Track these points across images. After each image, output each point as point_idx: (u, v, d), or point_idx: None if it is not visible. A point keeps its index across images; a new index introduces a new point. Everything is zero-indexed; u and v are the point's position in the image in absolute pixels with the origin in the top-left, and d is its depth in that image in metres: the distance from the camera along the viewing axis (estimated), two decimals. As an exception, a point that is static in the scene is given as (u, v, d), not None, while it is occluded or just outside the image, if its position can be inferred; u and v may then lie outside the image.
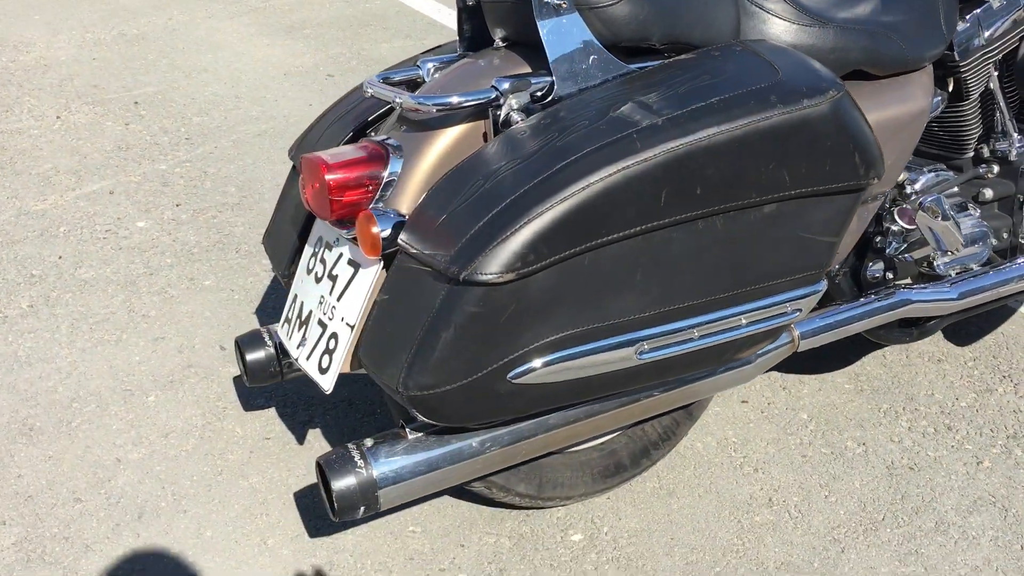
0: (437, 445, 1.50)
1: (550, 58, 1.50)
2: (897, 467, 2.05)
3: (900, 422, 2.16)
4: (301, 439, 2.06)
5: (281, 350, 1.83)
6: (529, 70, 1.57)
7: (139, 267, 2.62)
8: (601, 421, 1.60)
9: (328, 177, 1.49)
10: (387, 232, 1.45)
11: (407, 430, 1.51)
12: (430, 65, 1.71)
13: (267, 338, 1.84)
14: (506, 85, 1.50)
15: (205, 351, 2.31)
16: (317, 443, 2.06)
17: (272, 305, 2.47)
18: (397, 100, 1.51)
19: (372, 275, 1.50)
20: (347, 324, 1.52)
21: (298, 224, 1.78)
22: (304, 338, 1.63)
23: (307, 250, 1.70)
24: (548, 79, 1.51)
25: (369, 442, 1.49)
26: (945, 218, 1.88)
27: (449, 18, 4.46)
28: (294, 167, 1.84)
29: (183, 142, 3.32)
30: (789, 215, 1.47)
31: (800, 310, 1.55)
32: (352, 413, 2.14)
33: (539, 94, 1.51)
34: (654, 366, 1.47)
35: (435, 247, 1.36)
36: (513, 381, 1.37)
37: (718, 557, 1.82)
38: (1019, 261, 2.07)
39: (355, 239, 1.52)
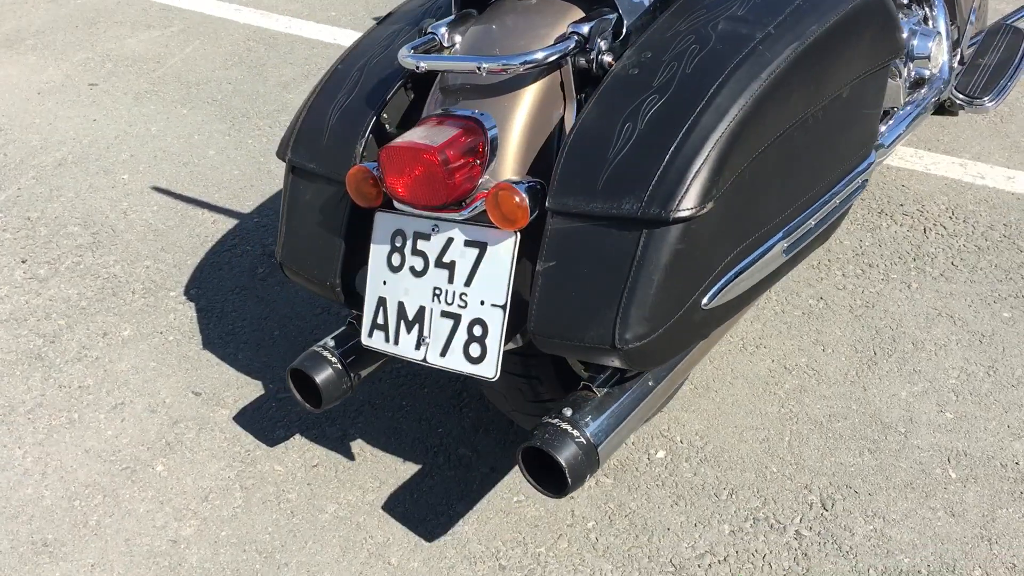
0: (621, 393, 1.51)
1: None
2: (856, 308, 2.33)
3: (834, 272, 2.44)
4: (349, 455, 1.95)
5: (349, 362, 1.72)
6: (579, 13, 1.57)
7: (33, 339, 2.27)
8: (726, 328, 1.68)
9: (440, 159, 1.42)
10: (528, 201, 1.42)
11: (595, 388, 1.51)
12: (443, 30, 1.64)
13: (327, 354, 1.71)
14: (585, 29, 1.50)
15: (181, 401, 2.08)
16: (368, 452, 1.96)
17: (223, 330, 2.26)
18: (483, 66, 1.46)
19: (510, 249, 1.46)
20: (494, 305, 1.47)
21: (334, 227, 1.66)
22: (424, 337, 1.55)
23: (378, 249, 1.60)
24: (613, 16, 1.53)
25: (568, 411, 1.47)
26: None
27: (182, 0, 4.13)
28: (295, 168, 1.70)
29: (-34, 193, 2.86)
30: (856, 96, 1.62)
31: (867, 180, 1.73)
32: (380, 414, 2.05)
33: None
34: (791, 259, 1.58)
35: (615, 198, 1.35)
36: (705, 307, 1.42)
37: (780, 428, 1.99)
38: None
39: (468, 219, 1.47)
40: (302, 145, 1.72)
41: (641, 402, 1.54)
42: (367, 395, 2.09)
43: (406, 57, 1.57)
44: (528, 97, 1.52)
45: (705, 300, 1.42)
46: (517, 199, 1.42)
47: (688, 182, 1.33)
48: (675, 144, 1.36)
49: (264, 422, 2.03)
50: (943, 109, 2.84)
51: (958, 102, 2.53)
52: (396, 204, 1.56)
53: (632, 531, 1.79)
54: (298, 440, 1.99)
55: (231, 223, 2.67)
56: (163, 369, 2.18)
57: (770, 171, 1.47)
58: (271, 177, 2.88)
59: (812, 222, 1.60)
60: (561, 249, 1.41)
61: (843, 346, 2.22)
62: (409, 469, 1.92)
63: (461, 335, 1.52)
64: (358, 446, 1.98)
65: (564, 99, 1.55)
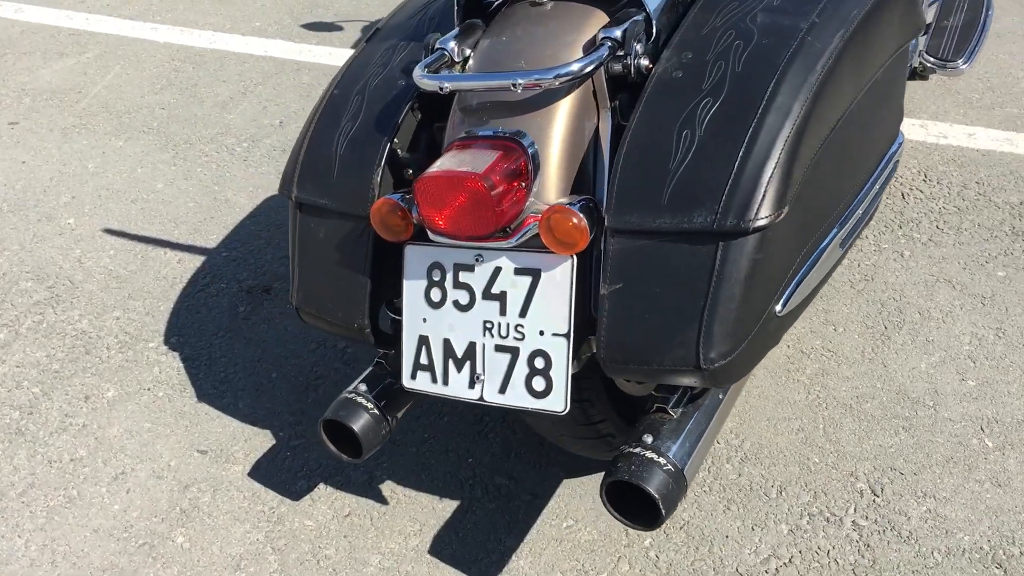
0: (695, 411, 1.45)
1: None
2: (857, 283, 2.32)
3: (826, 247, 2.43)
4: (381, 499, 1.85)
5: (384, 405, 1.61)
6: (600, 14, 1.49)
7: (8, 412, 2.09)
8: None
9: (486, 185, 1.33)
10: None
11: (670, 410, 1.44)
12: (452, 44, 1.55)
13: (361, 400, 1.61)
14: (618, 33, 1.42)
15: (187, 463, 1.94)
16: (401, 494, 1.86)
17: (216, 379, 2.12)
18: (519, 81, 1.37)
19: (568, 274, 1.38)
20: (555, 335, 1.39)
21: (358, 265, 1.55)
22: (478, 375, 1.46)
23: (413, 284, 1.50)
24: (641, 16, 1.46)
25: (649, 438, 1.40)
26: None
27: (92, 23, 3.88)
28: (303, 205, 1.59)
29: None
30: (888, 77, 1.58)
31: (899, 161, 1.70)
32: (403, 450, 1.95)
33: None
34: (846, 251, 1.54)
35: (685, 212, 1.28)
36: (779, 314, 1.37)
37: (812, 416, 1.97)
38: None
39: (515, 246, 1.39)
40: (309, 180, 1.61)
41: (714, 417, 1.48)
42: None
43: (423, 78, 1.47)
44: (563, 110, 1.44)
45: (779, 307, 1.37)
46: (575, 221, 1.34)
47: (763, 189, 1.27)
48: (742, 150, 1.29)
49: (283, 474, 1.91)
50: (915, 75, 2.85)
51: (929, 66, 2.53)
52: (432, 236, 1.46)
53: (691, 543, 1.74)
54: (324, 490, 1.87)
55: (198, 260, 2.52)
56: (160, 429, 2.03)
57: (827, 166, 1.42)
58: (230, 207, 2.73)
59: (860, 210, 1.56)
60: (627, 270, 1.34)
61: (853, 323, 2.20)
62: (447, 507, 1.83)
63: (521, 369, 1.43)
64: (388, 488, 1.87)
65: (597, 108, 1.47)
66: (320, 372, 2.15)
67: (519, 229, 1.40)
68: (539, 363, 1.42)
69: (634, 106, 1.46)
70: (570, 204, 1.35)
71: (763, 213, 1.26)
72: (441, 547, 1.76)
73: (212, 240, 2.60)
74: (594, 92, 1.47)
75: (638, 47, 1.43)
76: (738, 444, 1.92)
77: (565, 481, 1.87)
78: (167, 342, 2.26)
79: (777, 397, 2.03)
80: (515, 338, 1.43)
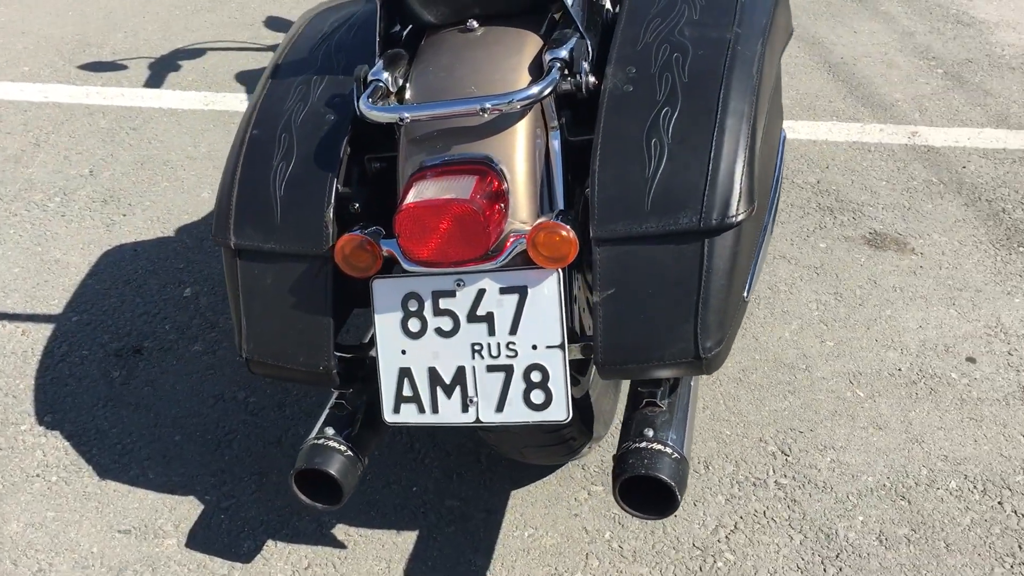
0: (677, 399, 1.55)
1: (575, 15, 1.54)
2: (819, 268, 2.53)
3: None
4: (337, 544, 1.82)
5: (355, 444, 1.59)
6: (533, 36, 1.56)
7: None
8: None
9: (476, 208, 1.36)
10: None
11: (659, 402, 1.52)
12: (385, 75, 1.55)
13: (333, 444, 1.57)
14: (564, 54, 1.49)
15: (112, 547, 1.81)
16: (356, 536, 1.84)
17: (113, 452, 1.97)
18: (487, 106, 1.40)
19: (555, 287, 1.44)
20: (549, 347, 1.45)
21: (316, 306, 1.53)
22: (471, 398, 1.48)
23: (387, 318, 1.49)
24: (575, 36, 1.54)
25: (650, 432, 1.48)
26: None
27: None
28: (243, 252, 1.55)
29: None
30: (778, 76, 1.77)
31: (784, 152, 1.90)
32: (382, 486, 1.90)
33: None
34: (772, 232, 1.71)
35: (670, 214, 1.38)
36: (746, 300, 1.49)
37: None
38: None
39: (498, 265, 1.43)
40: (248, 225, 1.55)
41: (690, 401, 1.59)
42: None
43: (373, 110, 1.47)
44: (522, 131, 1.50)
45: (745, 293, 1.50)
46: (564, 233, 1.40)
47: (739, 186, 1.39)
48: (712, 152, 1.41)
49: (224, 538, 1.82)
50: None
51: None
52: (406, 266, 1.47)
53: (646, 528, 1.84)
54: (275, 546, 1.81)
55: (46, 329, 2.31)
56: (67, 516, 1.86)
57: (765, 159, 1.57)
58: (63, 267, 2.52)
59: (775, 195, 1.74)
60: (617, 275, 1.42)
61: (826, 296, 2.41)
62: (407, 539, 1.83)
63: (517, 385, 1.47)
64: (341, 532, 1.84)
65: (545, 126, 1.54)
66: (228, 427, 2.06)
67: (503, 250, 1.44)
68: (536, 377, 1.47)
69: (580, 122, 1.55)
70: (554, 219, 1.42)
71: (742, 209, 1.39)
72: (418, 579, 1.76)
73: (54, 306, 2.39)
74: (542, 111, 1.54)
75: (585, 65, 1.52)
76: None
77: (513, 492, 1.92)
78: (41, 422, 2.06)
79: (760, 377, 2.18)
80: (507, 356, 1.47)
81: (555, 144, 1.55)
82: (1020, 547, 1.80)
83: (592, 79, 1.53)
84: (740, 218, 1.39)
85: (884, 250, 2.64)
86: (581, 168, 1.57)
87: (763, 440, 2.04)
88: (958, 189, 2.90)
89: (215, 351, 2.25)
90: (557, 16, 1.69)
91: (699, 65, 1.50)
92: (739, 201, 1.39)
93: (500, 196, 1.44)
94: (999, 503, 1.89)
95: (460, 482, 1.94)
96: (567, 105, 1.57)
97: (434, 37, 1.66)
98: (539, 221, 1.43)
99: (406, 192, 1.47)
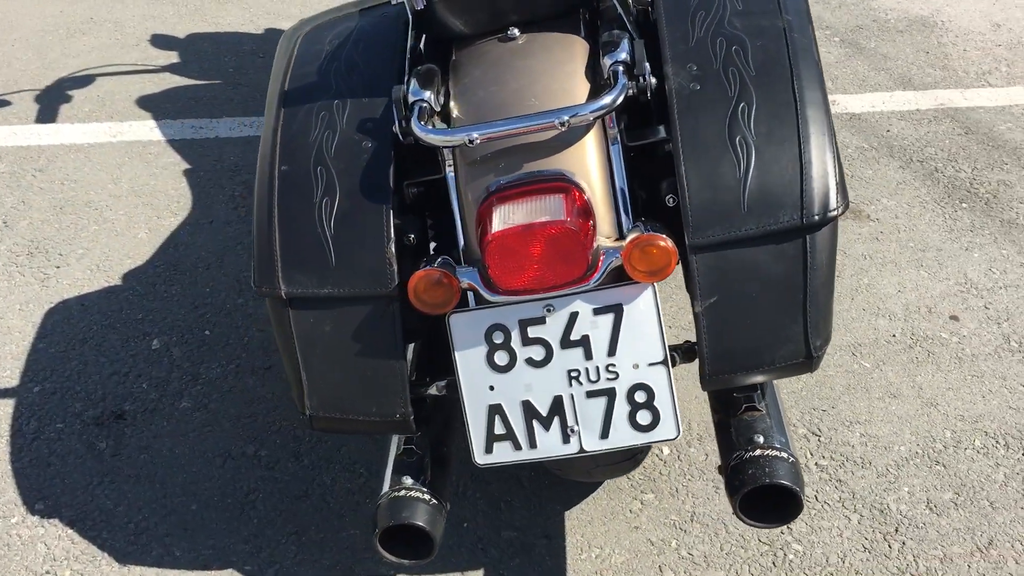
0: (770, 399, 1.52)
1: (625, 16, 1.48)
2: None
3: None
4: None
5: (434, 490, 1.48)
6: (578, 40, 1.49)
7: None
8: None
9: (574, 228, 1.30)
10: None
11: (759, 406, 1.48)
12: (428, 94, 1.45)
13: (415, 493, 1.47)
14: (624, 56, 1.43)
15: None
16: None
17: (125, 531, 1.78)
18: (563, 118, 1.33)
19: (651, 301, 1.38)
20: (652, 364, 1.39)
21: (386, 350, 1.43)
22: (572, 428, 1.42)
23: (469, 354, 1.41)
24: (626, 36, 1.48)
25: (760, 438, 1.44)
26: None
27: None
28: (295, 300, 1.43)
29: None
30: None
31: None
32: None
33: None
34: None
35: (769, 214, 1.35)
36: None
37: (836, 368, 2.13)
38: None
39: (595, 285, 1.37)
40: (298, 271, 1.43)
41: (778, 398, 1.56)
42: (355, 523, 1.81)
43: (433, 134, 1.38)
44: (590, 142, 1.43)
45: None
46: (662, 244, 1.34)
47: (834, 179, 1.37)
48: (800, 146, 1.38)
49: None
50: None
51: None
52: (489, 297, 1.38)
53: (708, 531, 1.82)
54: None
55: (6, 406, 2.09)
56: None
57: None
58: (2, 332, 2.25)
59: None
60: (719, 282, 1.37)
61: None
62: (474, 578, 1.74)
63: (621, 408, 1.41)
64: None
65: (605, 134, 1.47)
66: (246, 486, 1.90)
67: (596, 268, 1.37)
68: (640, 397, 1.41)
69: (633, 127, 1.49)
70: (645, 231, 1.36)
71: (840, 201, 1.37)
72: (495, 621, 1.68)
73: (7, 378, 2.15)
74: (602, 119, 1.47)
75: (647, 67, 1.45)
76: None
77: (566, 514, 1.86)
78: (33, 511, 1.85)
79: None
80: (608, 379, 1.41)
81: (616, 152, 1.49)
82: (1056, 495, 1.88)
83: (654, 80, 1.47)
84: (839, 211, 1.37)
85: (842, 219, 2.70)
86: (639, 174, 1.52)
87: (792, 425, 2.05)
88: (890, 153, 3.00)
89: (207, 405, 2.08)
90: (588, 16, 1.63)
91: (763, 56, 1.47)
92: (837, 194, 1.37)
93: (588, 212, 1.37)
94: (1023, 455, 1.97)
95: (510, 510, 1.86)
96: (623, 110, 1.51)
97: (470, 49, 1.56)
98: (633, 235, 1.37)
99: (484, 219, 1.38)
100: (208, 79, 3.34)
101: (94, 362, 2.20)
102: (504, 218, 1.35)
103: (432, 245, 1.54)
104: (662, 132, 1.47)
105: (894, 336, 2.27)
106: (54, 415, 2.07)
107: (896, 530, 1.82)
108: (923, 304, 2.36)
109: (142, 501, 1.88)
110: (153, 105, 3.16)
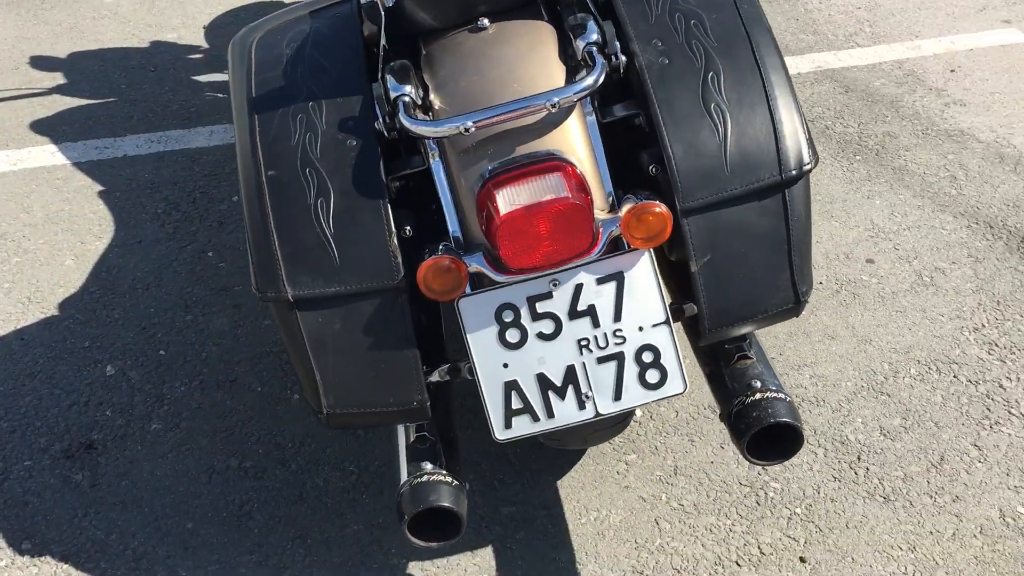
0: (755, 344, 1.62)
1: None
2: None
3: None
4: (417, 582, 1.73)
5: (453, 470, 1.54)
6: (545, 26, 1.56)
7: None
8: None
9: (579, 203, 1.39)
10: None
11: (750, 354, 1.59)
12: (409, 88, 1.50)
13: (437, 477, 1.51)
14: (595, 38, 1.51)
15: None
16: (434, 570, 1.76)
17: (122, 560, 1.74)
18: (554, 100, 1.40)
19: (648, 265, 1.48)
20: (655, 324, 1.48)
21: (399, 340, 1.48)
22: (586, 394, 1.49)
23: (481, 335, 1.46)
24: (590, 19, 1.56)
25: (757, 383, 1.55)
26: None
27: None
28: (302, 301, 1.46)
29: None
30: None
31: None
32: (394, 531, 1.81)
33: None
34: None
35: (751, 173, 1.46)
36: None
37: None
38: None
39: (597, 256, 1.45)
40: (302, 273, 1.45)
41: (759, 345, 1.67)
42: (356, 520, 1.83)
43: (425, 126, 1.43)
44: (573, 121, 1.51)
45: None
46: (657, 210, 1.42)
47: (804, 135, 1.49)
48: (769, 107, 1.48)
49: None
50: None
51: None
52: (495, 277, 1.44)
53: (692, 481, 1.94)
54: (357, 603, 1.70)
55: (-38, 451, 1.97)
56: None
57: None
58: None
59: None
60: (710, 241, 1.48)
61: None
62: (485, 557, 1.81)
63: (631, 370, 1.49)
64: (419, 570, 1.78)
65: (583, 113, 1.54)
66: (237, 498, 1.90)
67: (598, 240, 1.44)
68: (647, 357, 1.49)
69: (604, 104, 1.57)
70: (637, 201, 1.44)
71: (811, 156, 1.48)
72: (512, 592, 1.73)
73: (-42, 422, 2.05)
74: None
75: (618, 46, 1.53)
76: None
77: (558, 483, 1.94)
78: (21, 552, 1.79)
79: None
80: (616, 344, 1.49)
81: (593, 129, 1.56)
82: (989, 409, 2.07)
83: (624, 59, 1.55)
84: (812, 165, 1.48)
85: (752, 181, 2.86)
86: (612, 149, 1.60)
87: (748, 373, 2.17)
88: (782, 115, 3.18)
89: (178, 424, 2.05)
90: (545, 2, 1.69)
91: (720, 28, 1.57)
92: (808, 149, 1.49)
93: (585, 187, 1.44)
94: (955, 377, 2.15)
95: (504, 487, 1.93)
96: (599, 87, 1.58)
97: (442, 42, 1.61)
98: (628, 205, 1.45)
99: (487, 204, 1.43)
100: (101, 98, 3.23)
101: (48, 395, 2.13)
102: (510, 200, 1.41)
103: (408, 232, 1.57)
104: (625, 110, 1.57)
105: (820, 283, 2.44)
106: (19, 453, 2.00)
107: (858, 458, 1.97)
108: (840, 251, 2.53)
109: (134, 527, 1.85)
110: (49, 129, 3.05)
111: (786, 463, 1.95)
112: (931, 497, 1.89)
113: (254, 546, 1.82)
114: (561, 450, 1.97)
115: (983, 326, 2.27)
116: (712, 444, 2.01)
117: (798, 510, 1.87)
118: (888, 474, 1.94)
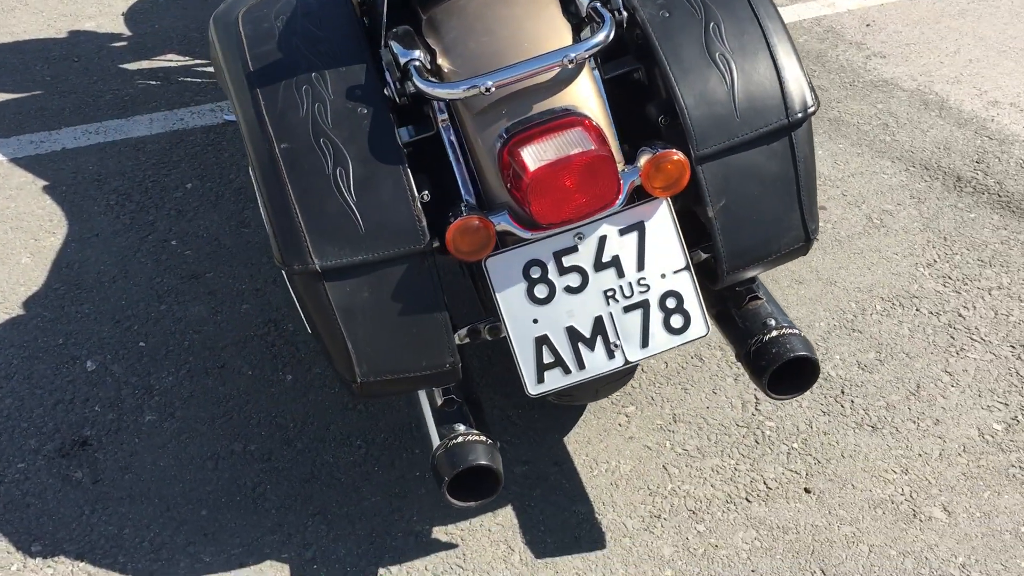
0: (762, 286, 1.69)
1: None
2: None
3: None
4: (450, 549, 1.74)
5: (484, 429, 1.56)
6: None
7: None
8: None
9: (605, 155, 1.44)
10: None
11: (760, 294, 1.65)
12: (418, 53, 1.50)
13: (470, 437, 1.53)
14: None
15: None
16: (461, 534, 1.80)
17: (140, 552, 1.72)
18: (570, 55, 1.43)
19: (667, 213, 1.53)
20: (676, 271, 1.53)
21: (428, 303, 1.50)
22: (615, 343, 1.54)
23: (510, 293, 1.50)
24: None
25: (772, 321, 1.62)
26: None
27: None
28: (329, 272, 1.46)
29: None
30: None
31: None
32: (411, 498, 1.84)
33: None
34: None
35: (760, 118, 1.53)
36: None
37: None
38: None
39: (620, 206, 1.50)
40: (327, 243, 1.46)
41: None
42: (373, 492, 1.83)
43: (442, 88, 1.44)
44: (586, 77, 1.54)
45: None
46: (675, 158, 1.48)
47: (805, 79, 1.55)
48: (771, 54, 1.54)
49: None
50: None
51: None
52: (522, 235, 1.47)
53: (692, 428, 2.01)
54: (388, 571, 1.70)
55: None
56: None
57: None
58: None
59: None
60: (724, 186, 1.54)
61: None
62: (507, 516, 1.84)
63: (656, 316, 1.54)
64: (444, 534, 1.80)
65: (590, 67, 1.57)
66: (249, 481, 1.88)
67: (620, 190, 1.48)
68: (671, 303, 1.54)
69: (605, 60, 1.61)
70: (654, 151, 1.48)
71: (813, 99, 1.55)
72: (537, 549, 1.78)
73: (-64, 431, 1.96)
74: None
75: (620, 2, 1.57)
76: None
77: (565, 440, 1.98)
78: (32, 554, 1.74)
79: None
80: (641, 292, 1.53)
81: (601, 84, 1.60)
82: (953, 337, 2.20)
83: (625, 14, 1.59)
84: (814, 108, 1.55)
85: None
86: (615, 102, 1.63)
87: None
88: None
89: (173, 414, 2.00)
90: None
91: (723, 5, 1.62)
92: (810, 91, 1.55)
93: (604, 139, 1.47)
94: (917, 310, 2.28)
95: (513, 448, 1.96)
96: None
97: (444, 6, 1.61)
98: (647, 155, 1.49)
99: (512, 162, 1.45)
100: (27, 91, 3.10)
101: (30, 395, 2.05)
102: (537, 157, 1.43)
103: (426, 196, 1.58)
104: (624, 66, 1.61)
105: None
106: (10, 456, 1.93)
107: (842, 392, 2.07)
108: (793, 201, 2.64)
109: (147, 519, 1.81)
110: (-24, 127, 2.92)
111: (777, 403, 2.05)
112: (914, 423, 2.00)
113: (275, 526, 1.80)
114: (561, 408, 2.01)
115: (935, 261, 2.41)
116: (705, 390, 2.08)
117: (795, 445, 1.96)
118: (872, 404, 2.04)
